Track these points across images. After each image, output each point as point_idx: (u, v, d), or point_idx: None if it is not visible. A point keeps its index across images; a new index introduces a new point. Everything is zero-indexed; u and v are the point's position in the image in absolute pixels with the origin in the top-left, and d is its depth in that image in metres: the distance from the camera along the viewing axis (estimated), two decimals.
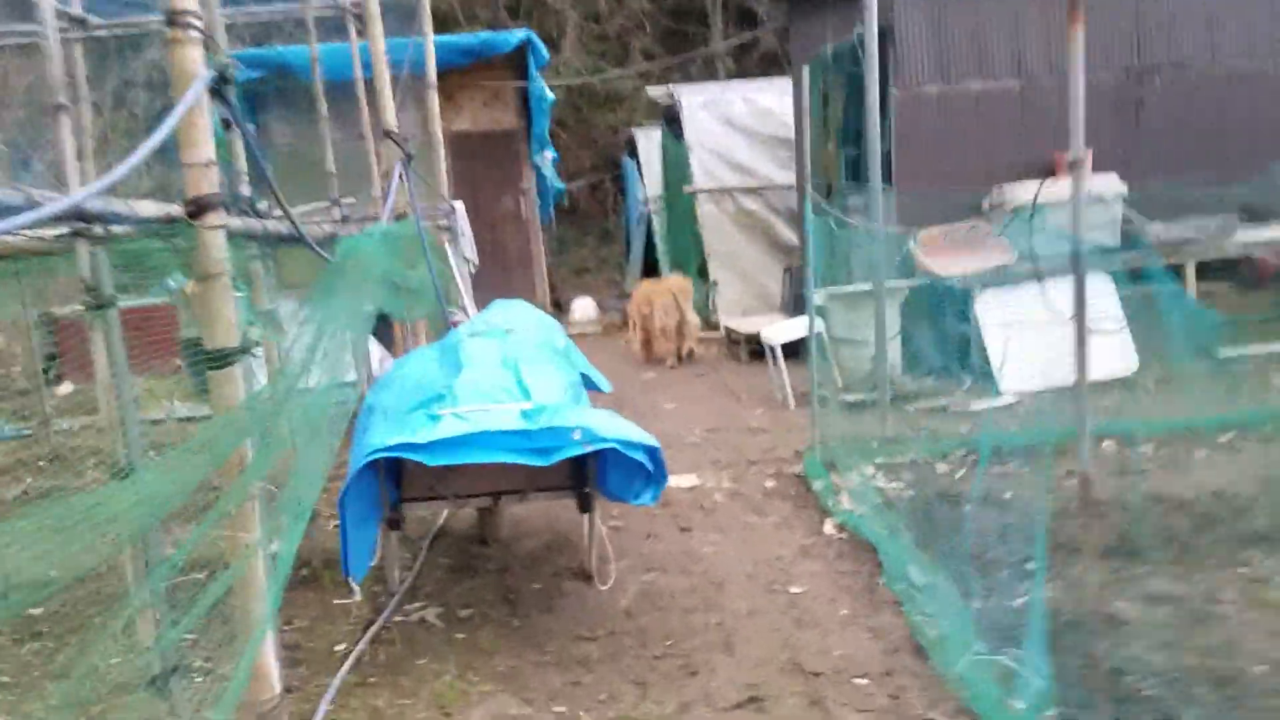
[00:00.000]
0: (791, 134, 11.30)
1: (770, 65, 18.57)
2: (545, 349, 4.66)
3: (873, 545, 4.33)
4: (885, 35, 7.46)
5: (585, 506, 4.03)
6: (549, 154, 14.51)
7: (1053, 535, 3.96)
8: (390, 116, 5.96)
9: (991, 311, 7.07)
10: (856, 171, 8.15)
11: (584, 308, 12.69)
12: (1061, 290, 7.45)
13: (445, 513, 5.00)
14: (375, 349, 7.92)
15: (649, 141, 15.03)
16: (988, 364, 7.02)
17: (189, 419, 8.58)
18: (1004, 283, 7.07)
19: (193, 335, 6.55)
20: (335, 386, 4.14)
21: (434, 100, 9.31)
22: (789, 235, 11.25)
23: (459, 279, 7.44)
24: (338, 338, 4.02)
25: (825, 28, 8.55)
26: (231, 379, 2.85)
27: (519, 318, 5.12)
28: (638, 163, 15.32)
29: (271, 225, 3.27)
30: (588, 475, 3.92)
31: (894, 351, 7.05)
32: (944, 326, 7.26)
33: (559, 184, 16.06)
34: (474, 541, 4.80)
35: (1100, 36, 7.55)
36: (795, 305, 10.19)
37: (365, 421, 4.22)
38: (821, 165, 9.01)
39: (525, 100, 13.56)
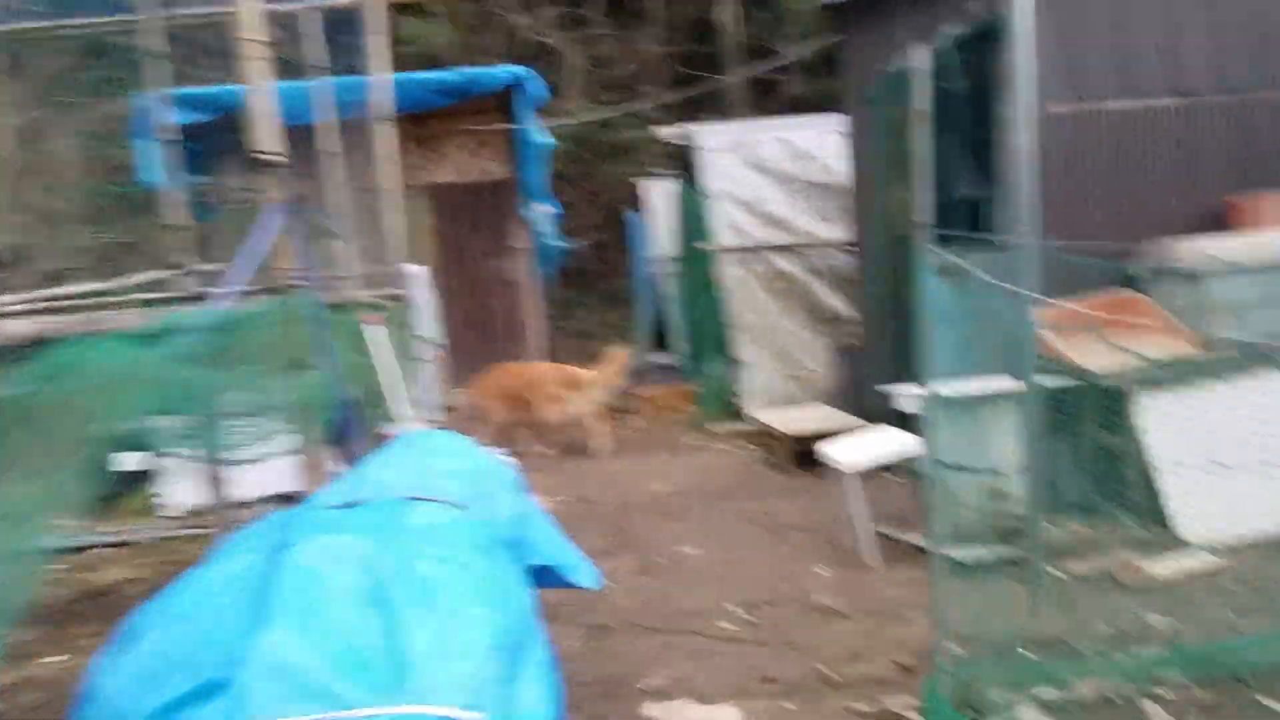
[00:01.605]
0: (838, 179, 9.23)
1: (795, 111, 16.65)
2: (463, 544, 2.46)
3: None
4: (991, 36, 5.41)
5: None
6: (547, 208, 12.47)
7: None
8: (267, 134, 3.85)
9: (1160, 423, 4.87)
10: (944, 221, 6.03)
11: None
12: (1264, 390, 5.30)
13: None
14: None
15: (657, 192, 13.01)
16: (1158, 501, 4.80)
17: None
18: (1178, 380, 4.88)
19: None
20: None
21: (387, 138, 7.28)
22: (835, 304, 9.10)
23: (393, 372, 5.30)
24: None
25: (894, 35, 6.50)
26: None
27: (433, 470, 2.92)
28: (648, 217, 13.29)
29: None
30: None
31: (1022, 482, 4.83)
32: (1091, 444, 5.05)
33: (559, 242, 14.02)
34: None
35: None
36: (852, 397, 8.00)
37: None
38: (888, 214, 6.90)
39: (519, 147, 11.58)
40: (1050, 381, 4.78)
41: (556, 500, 6.85)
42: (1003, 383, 4.46)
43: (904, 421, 5.47)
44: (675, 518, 6.12)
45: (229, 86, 10.78)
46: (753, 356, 8.94)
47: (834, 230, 9.18)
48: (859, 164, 7.71)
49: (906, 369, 6.60)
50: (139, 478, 7.45)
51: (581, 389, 8.39)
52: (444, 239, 11.71)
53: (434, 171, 11.71)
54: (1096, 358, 4.93)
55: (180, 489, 7.22)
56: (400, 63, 12.74)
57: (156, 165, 10.65)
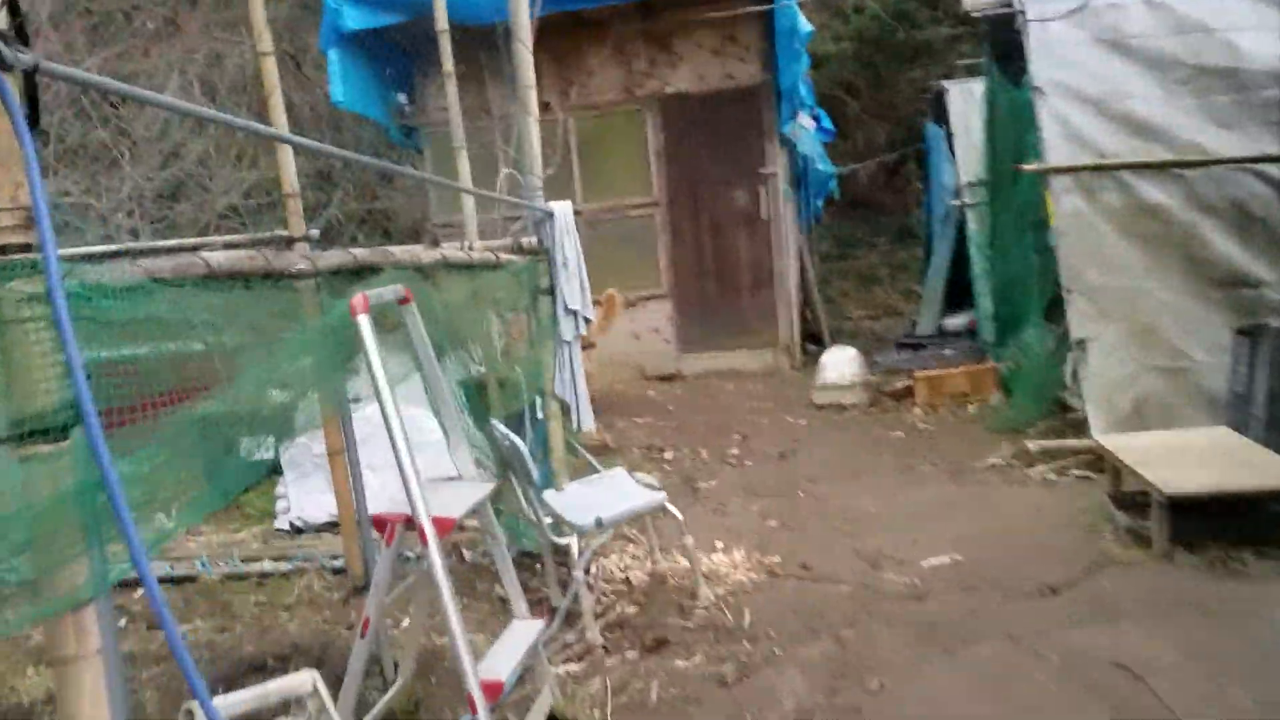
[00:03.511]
0: (1251, 63, 5.87)
1: None
2: None
3: None
4: None
5: None
6: (808, 120, 9.74)
7: None
8: None
9: None
10: None
11: (839, 363, 7.83)
12: None
13: None
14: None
15: (967, 99, 9.83)
16: None
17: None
18: None
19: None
20: None
21: (521, 17, 4.89)
22: (1238, 256, 5.80)
23: (436, 389, 3.02)
24: None
25: None
26: None
27: None
28: (948, 132, 10.16)
29: None
30: None
31: None
32: None
33: (828, 166, 11.22)
34: None
35: None
36: (1269, 412, 4.81)
37: None
38: None
39: (778, 39, 8.90)
40: None
41: (763, 564, 4.40)
42: None
43: None
44: (950, 646, 3.45)
45: None
46: (1099, 334, 5.85)
47: (1241, 142, 5.85)
48: None
49: None
50: (263, 469, 5.86)
51: None
52: (674, 165, 9.34)
53: (667, 78, 9.31)
54: None
55: (312, 497, 5.52)
56: None
57: (348, 80, 9.14)
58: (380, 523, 2.66)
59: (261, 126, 2.61)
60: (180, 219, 8.21)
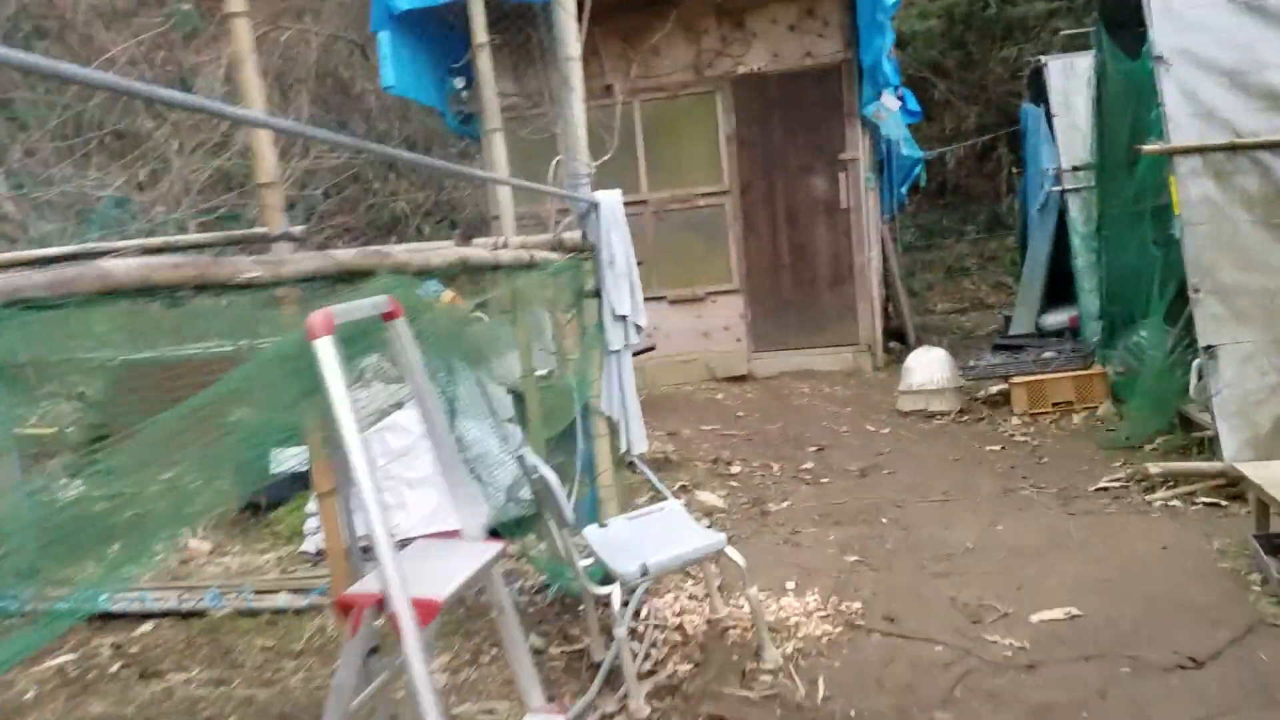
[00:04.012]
0: None
1: None
2: None
3: None
4: None
5: None
6: (892, 100, 8.98)
7: None
8: None
9: None
10: None
11: (927, 366, 7.11)
12: None
13: None
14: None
15: (1068, 76, 8.97)
16: None
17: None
18: None
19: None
20: None
21: None
22: None
23: (439, 423, 2.47)
24: None
25: None
26: None
27: None
28: (1047, 112, 9.30)
29: None
30: None
31: None
32: None
33: (914, 150, 10.43)
34: None
35: None
36: None
37: None
38: None
39: (855, 15, 8.22)
40: None
41: (841, 614, 3.78)
42: None
43: None
44: None
45: None
46: (1233, 340, 5.07)
47: None
48: None
49: None
50: (297, 484, 5.43)
51: None
52: (747, 150, 8.70)
53: (739, 57, 8.67)
54: None
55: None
56: None
57: (400, 64, 8.70)
58: (345, 606, 2.12)
59: (215, 104, 2.08)
60: (226, 211, 7.89)
